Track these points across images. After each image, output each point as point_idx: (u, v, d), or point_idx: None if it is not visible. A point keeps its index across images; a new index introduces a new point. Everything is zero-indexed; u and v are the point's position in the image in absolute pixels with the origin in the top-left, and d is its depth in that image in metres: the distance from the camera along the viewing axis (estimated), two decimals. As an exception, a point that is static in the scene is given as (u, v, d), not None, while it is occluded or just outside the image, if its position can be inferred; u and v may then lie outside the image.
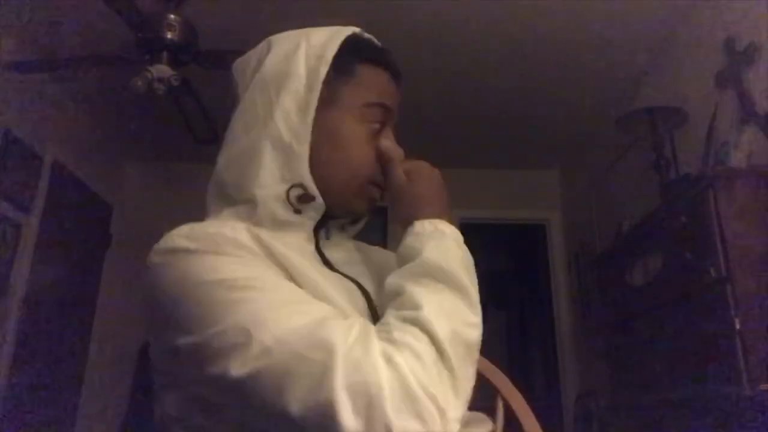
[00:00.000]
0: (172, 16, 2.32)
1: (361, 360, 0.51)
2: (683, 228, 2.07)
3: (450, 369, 0.54)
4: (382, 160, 0.75)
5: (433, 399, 0.51)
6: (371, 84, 0.76)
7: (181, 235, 0.63)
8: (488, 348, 0.81)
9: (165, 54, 2.30)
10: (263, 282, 0.60)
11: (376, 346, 0.53)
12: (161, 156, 4.14)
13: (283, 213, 0.70)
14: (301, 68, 0.73)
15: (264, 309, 0.56)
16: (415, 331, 0.55)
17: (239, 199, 0.71)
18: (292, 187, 0.70)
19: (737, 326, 1.73)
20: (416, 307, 0.58)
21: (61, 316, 3.40)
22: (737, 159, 2.07)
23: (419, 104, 3.32)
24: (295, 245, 0.70)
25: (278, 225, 0.70)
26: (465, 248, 0.68)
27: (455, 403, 0.53)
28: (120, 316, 3.66)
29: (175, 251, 0.62)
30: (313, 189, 0.70)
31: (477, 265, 0.67)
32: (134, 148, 4.04)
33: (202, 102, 2.65)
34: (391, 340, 0.54)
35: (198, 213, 0.74)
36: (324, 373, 0.50)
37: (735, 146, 2.10)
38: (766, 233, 1.80)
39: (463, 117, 3.64)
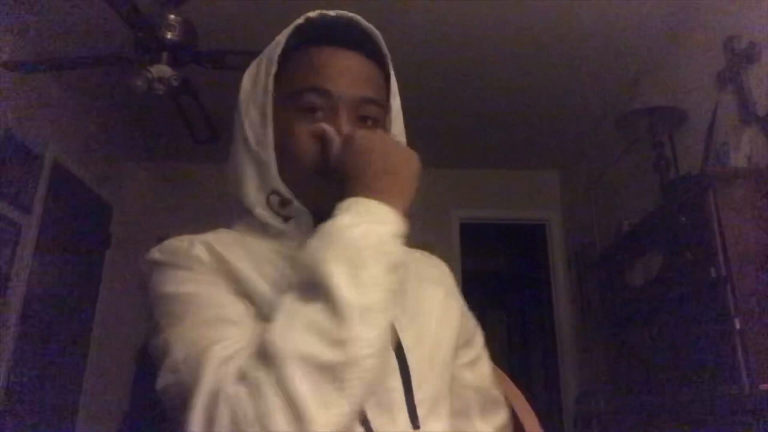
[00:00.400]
0: (172, 16, 2.31)
1: (213, 394, 0.50)
2: (683, 228, 2.07)
3: (292, 399, 0.47)
4: (323, 144, 0.68)
5: None
6: (298, 69, 0.71)
7: (158, 248, 0.67)
8: (488, 348, 0.81)
9: (165, 54, 2.30)
10: (199, 298, 0.61)
11: (228, 378, 0.51)
12: (161, 156, 4.13)
13: (273, 221, 0.70)
14: (262, 74, 0.72)
15: (188, 326, 0.58)
16: (258, 357, 0.51)
17: (243, 209, 0.72)
18: (270, 195, 0.70)
19: (737, 326, 1.73)
20: (269, 327, 0.53)
21: (61, 316, 3.40)
22: (737, 159, 2.07)
23: (419, 105, 3.31)
24: (280, 255, 0.68)
25: (274, 234, 0.70)
26: (378, 233, 0.56)
27: None
28: (120, 316, 3.66)
29: (151, 262, 0.66)
30: (287, 193, 0.69)
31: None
32: (134, 148, 4.03)
33: (202, 102, 2.65)
34: (239, 371, 0.51)
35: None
36: (191, 402, 0.51)
37: (735, 146, 2.10)
38: (766, 233, 1.81)
39: (463, 117, 3.64)
